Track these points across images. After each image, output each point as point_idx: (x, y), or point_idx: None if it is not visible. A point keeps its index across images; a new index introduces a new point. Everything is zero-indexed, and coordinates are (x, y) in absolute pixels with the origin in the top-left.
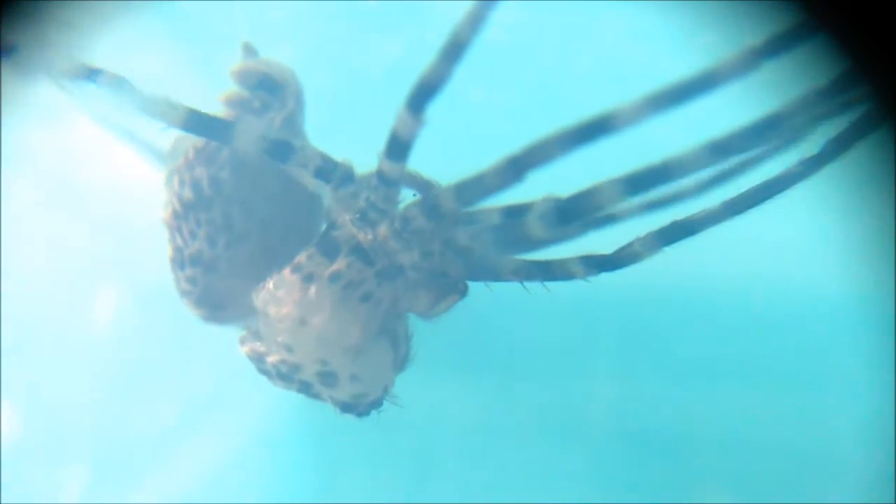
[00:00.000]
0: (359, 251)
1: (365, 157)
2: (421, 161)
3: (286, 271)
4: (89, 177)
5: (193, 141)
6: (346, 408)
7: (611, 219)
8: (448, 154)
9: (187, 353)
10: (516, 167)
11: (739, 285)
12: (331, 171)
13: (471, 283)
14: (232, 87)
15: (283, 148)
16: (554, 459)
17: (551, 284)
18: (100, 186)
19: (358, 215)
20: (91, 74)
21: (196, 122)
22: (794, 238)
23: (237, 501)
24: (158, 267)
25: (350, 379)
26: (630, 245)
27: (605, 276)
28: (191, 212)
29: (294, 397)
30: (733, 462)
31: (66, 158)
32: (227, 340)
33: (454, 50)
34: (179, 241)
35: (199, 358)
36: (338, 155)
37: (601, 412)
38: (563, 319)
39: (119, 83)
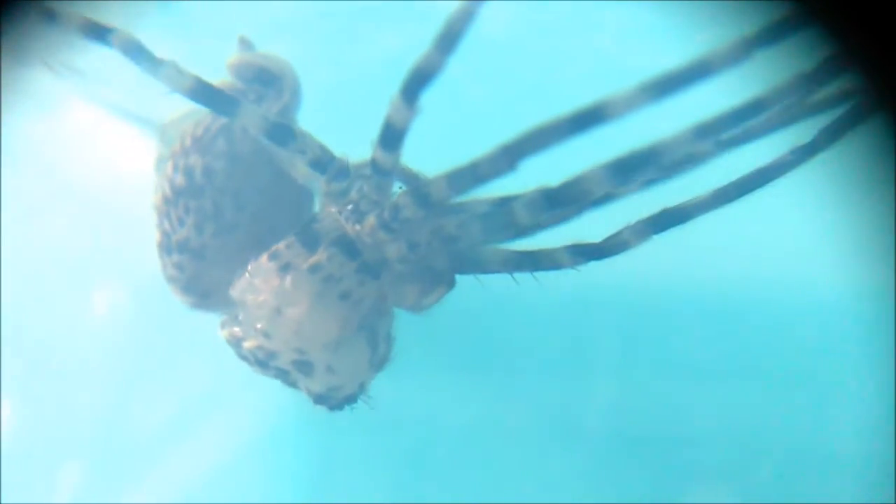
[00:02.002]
0: (341, 243)
1: (362, 152)
2: (418, 157)
3: (263, 258)
4: (86, 170)
5: (191, 128)
6: (319, 399)
7: (608, 198)
8: (444, 150)
9: (186, 349)
10: (509, 156)
11: (738, 285)
12: (327, 163)
13: (467, 283)
14: (227, 79)
15: (284, 132)
16: (552, 460)
17: (549, 283)
18: (96, 180)
19: (350, 206)
20: (103, 34)
21: (202, 93)
22: (794, 237)
23: (235, 499)
24: (156, 262)
25: (326, 370)
26: (619, 233)
27: (603, 277)
28: (180, 198)
29: (293, 396)
30: (732, 462)
31: (62, 151)
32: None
33: (448, 39)
34: (167, 226)
35: (197, 354)
36: (335, 150)
37: (599, 412)
38: (562, 320)
39: (131, 44)
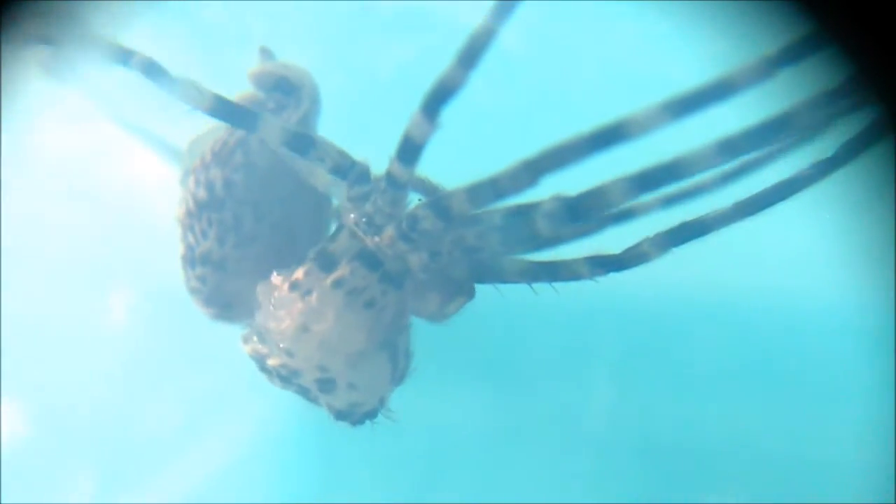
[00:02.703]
0: (363, 256)
1: (377, 161)
2: (431, 164)
3: (285, 288)
4: (103, 176)
5: (211, 143)
6: (340, 415)
7: (628, 215)
8: (458, 158)
9: (196, 354)
10: (531, 171)
11: (740, 293)
12: (348, 168)
13: (478, 289)
14: (248, 89)
15: (304, 140)
16: (556, 465)
17: (558, 289)
18: (113, 186)
19: (364, 219)
20: (123, 56)
21: (221, 109)
22: (795, 246)
23: (243, 502)
24: (170, 268)
25: (348, 387)
26: (638, 245)
27: (607, 285)
28: (203, 211)
29: (301, 401)
30: (733, 467)
31: (80, 157)
32: (237, 342)
33: (471, 55)
34: (191, 239)
35: (207, 359)
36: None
37: (603, 419)
38: (566, 327)
39: (150, 66)
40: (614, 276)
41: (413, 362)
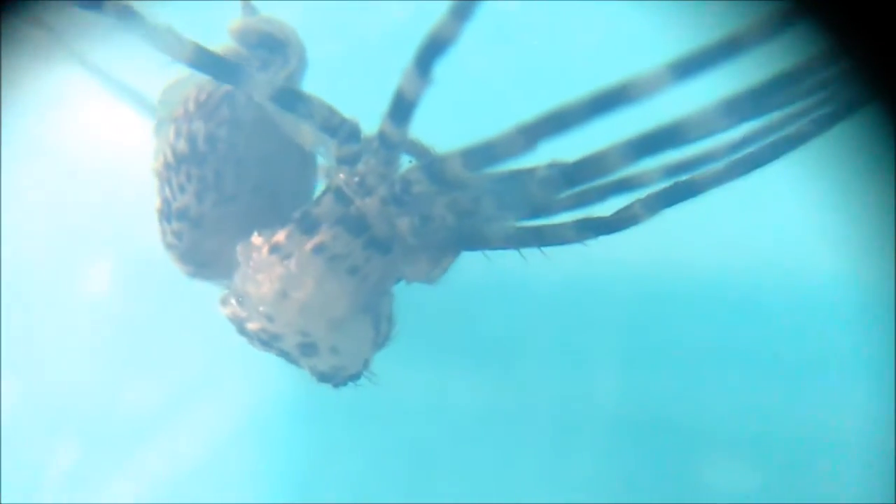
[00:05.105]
0: (346, 221)
1: (365, 123)
2: (425, 129)
3: (265, 251)
4: (85, 147)
5: (194, 92)
6: (323, 377)
7: (628, 185)
8: (452, 122)
9: (182, 329)
10: (529, 136)
11: (743, 275)
12: (337, 126)
13: (480, 273)
14: (229, 44)
15: (291, 96)
16: (558, 451)
17: (554, 274)
18: (96, 157)
19: (357, 179)
20: (96, 2)
21: (203, 61)
22: (799, 228)
23: (229, 481)
24: (155, 241)
25: (330, 351)
26: (630, 207)
27: (608, 270)
28: (182, 165)
29: (289, 378)
30: (734, 454)
31: (62, 127)
32: (223, 317)
33: (465, 6)
34: (168, 193)
35: (194, 334)
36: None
37: (604, 403)
38: (567, 309)
39: (125, 11)
40: (617, 259)
41: (395, 328)
